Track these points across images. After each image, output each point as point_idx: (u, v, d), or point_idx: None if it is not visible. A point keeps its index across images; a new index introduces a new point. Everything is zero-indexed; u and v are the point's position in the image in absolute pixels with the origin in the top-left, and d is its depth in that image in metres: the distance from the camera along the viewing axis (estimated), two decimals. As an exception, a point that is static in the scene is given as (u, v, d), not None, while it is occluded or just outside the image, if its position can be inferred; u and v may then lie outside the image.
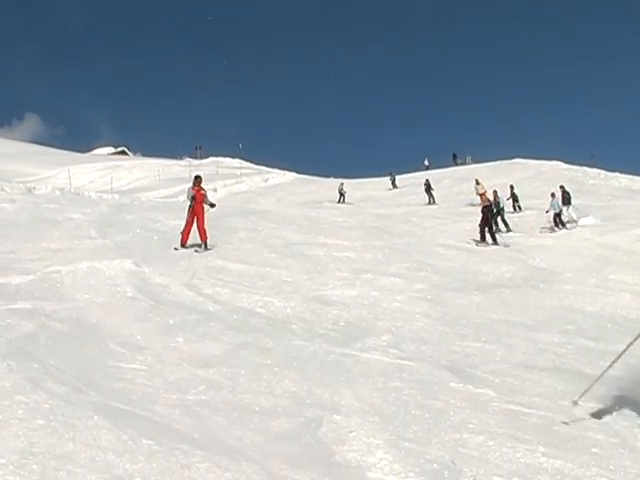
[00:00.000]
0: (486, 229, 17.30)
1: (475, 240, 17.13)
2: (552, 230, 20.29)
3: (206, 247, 12.15)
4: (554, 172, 35.71)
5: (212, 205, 12.70)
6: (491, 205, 18.18)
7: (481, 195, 19.16)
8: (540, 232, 20.01)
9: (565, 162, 37.85)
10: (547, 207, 21.76)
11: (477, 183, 24.74)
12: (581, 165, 36.31)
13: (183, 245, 11.97)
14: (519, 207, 25.35)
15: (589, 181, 31.80)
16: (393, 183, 37.88)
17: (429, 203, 29.66)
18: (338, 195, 32.53)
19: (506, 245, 16.98)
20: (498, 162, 41.67)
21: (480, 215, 17.59)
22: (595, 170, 34.46)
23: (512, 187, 25.66)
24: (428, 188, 30.32)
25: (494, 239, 17.19)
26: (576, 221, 21.02)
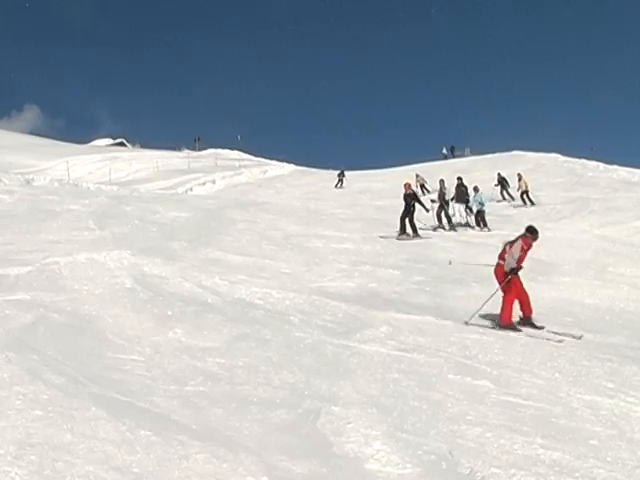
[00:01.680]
0: (407, 219, 16.26)
1: (397, 232, 16.12)
2: (473, 228, 18.86)
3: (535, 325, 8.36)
4: (553, 164, 35.63)
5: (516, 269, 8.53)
6: (414, 194, 16.92)
7: (405, 185, 17.17)
8: (459, 230, 18.43)
9: (564, 154, 37.72)
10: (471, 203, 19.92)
11: (459, 180, 21.33)
12: (580, 157, 36.17)
13: (508, 326, 8.19)
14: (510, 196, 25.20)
15: (588, 173, 31.67)
16: (340, 181, 34.06)
17: (503, 199, 25.64)
18: (419, 189, 28.14)
19: (427, 237, 16.17)
20: (497, 154, 41.51)
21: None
22: (594, 162, 34.25)
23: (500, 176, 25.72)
24: (502, 183, 25.74)
25: (414, 230, 16.22)
26: (471, 226, 19.13)
